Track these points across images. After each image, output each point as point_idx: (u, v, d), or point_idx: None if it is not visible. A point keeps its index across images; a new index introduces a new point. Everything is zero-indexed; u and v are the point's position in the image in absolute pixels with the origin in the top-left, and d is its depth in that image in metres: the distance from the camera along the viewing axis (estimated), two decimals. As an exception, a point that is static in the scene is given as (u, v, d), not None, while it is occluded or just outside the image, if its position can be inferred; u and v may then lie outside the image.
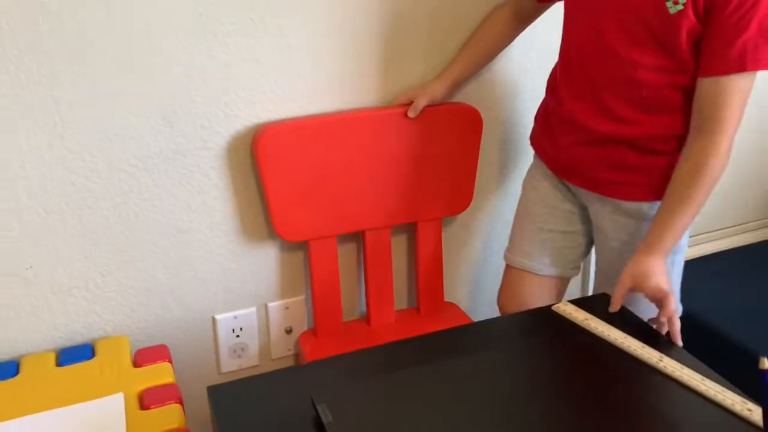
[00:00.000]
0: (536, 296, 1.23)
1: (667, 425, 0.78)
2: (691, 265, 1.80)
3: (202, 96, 1.15)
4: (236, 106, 1.18)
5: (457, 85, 1.29)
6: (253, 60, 1.16)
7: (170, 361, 1.13)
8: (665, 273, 1.01)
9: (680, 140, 1.05)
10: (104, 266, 1.18)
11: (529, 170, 1.29)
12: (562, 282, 1.27)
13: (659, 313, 0.98)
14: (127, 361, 1.13)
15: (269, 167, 1.20)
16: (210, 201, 1.22)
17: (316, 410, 0.81)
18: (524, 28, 1.27)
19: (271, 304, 1.33)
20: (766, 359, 0.63)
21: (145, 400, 1.02)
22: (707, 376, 0.87)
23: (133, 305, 1.23)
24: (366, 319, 1.40)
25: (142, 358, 1.13)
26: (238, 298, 1.31)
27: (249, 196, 1.25)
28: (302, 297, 1.36)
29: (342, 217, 1.27)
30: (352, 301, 1.41)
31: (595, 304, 1.04)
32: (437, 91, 1.26)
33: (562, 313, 1.02)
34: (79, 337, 1.21)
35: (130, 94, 1.10)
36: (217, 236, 1.25)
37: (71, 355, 1.14)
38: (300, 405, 0.84)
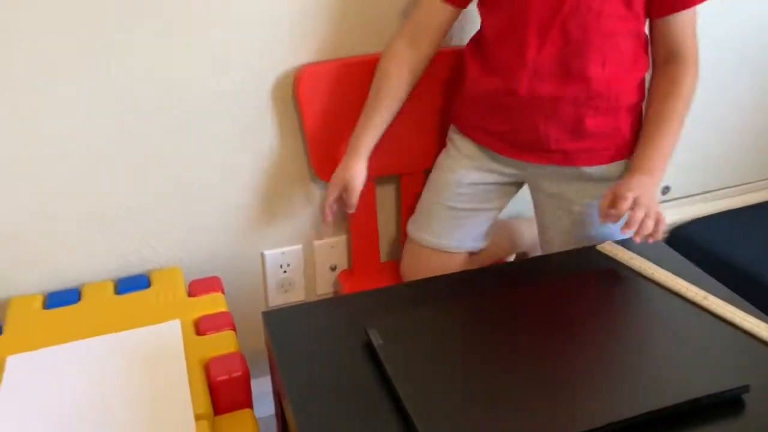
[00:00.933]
0: (443, 269, 1.17)
1: (712, 362, 0.80)
2: (735, 214, 1.79)
3: (250, 40, 1.17)
4: (280, 50, 1.19)
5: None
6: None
7: (222, 292, 1.18)
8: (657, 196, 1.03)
9: (640, 93, 1.09)
10: (159, 201, 1.23)
11: (447, 152, 1.24)
12: (470, 255, 1.26)
13: (653, 232, 0.97)
14: (182, 290, 1.18)
15: (309, 108, 1.22)
16: (257, 142, 1.25)
17: (367, 335, 0.85)
18: (426, 62, 1.16)
19: (316, 242, 1.37)
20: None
21: (201, 327, 1.07)
22: (750, 313, 0.88)
23: (186, 239, 1.28)
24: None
25: (195, 288, 1.18)
26: (285, 236, 1.35)
27: (294, 138, 1.27)
28: (345, 237, 1.39)
29: (379, 159, 1.28)
30: (389, 242, 1.44)
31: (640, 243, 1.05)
32: (360, 175, 1.14)
33: (607, 253, 1.04)
34: (135, 269, 1.26)
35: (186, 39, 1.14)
36: (264, 176, 1.28)
37: (129, 285, 1.20)
38: (350, 330, 0.88)
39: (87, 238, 1.21)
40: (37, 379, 0.96)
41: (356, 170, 1.14)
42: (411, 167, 1.33)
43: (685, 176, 1.76)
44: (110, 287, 1.19)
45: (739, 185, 1.85)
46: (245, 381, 0.98)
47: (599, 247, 1.05)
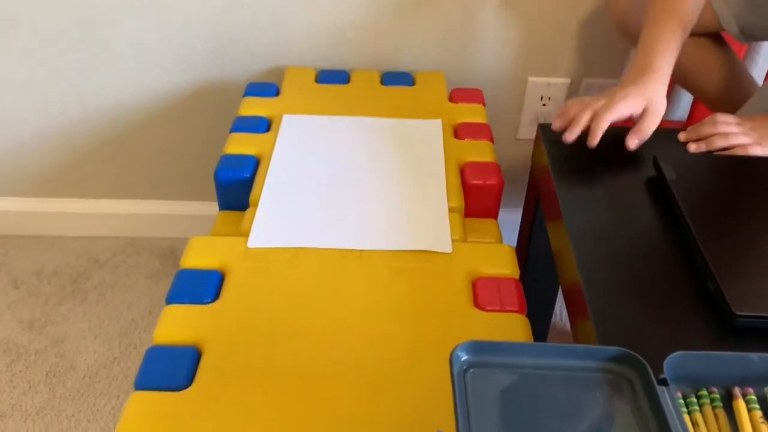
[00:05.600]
0: None
1: None
2: None
3: None
4: None
5: None
6: None
7: (484, 104, 1.14)
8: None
9: None
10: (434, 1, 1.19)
11: None
12: None
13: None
14: (444, 95, 1.16)
15: None
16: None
17: (658, 168, 0.76)
18: None
19: (586, 80, 1.27)
20: None
21: (460, 132, 1.05)
22: None
23: (453, 47, 1.24)
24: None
25: (457, 96, 1.16)
26: (554, 67, 1.26)
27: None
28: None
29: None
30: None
31: None
32: (665, 100, 0.84)
33: None
34: (400, 65, 1.26)
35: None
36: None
37: (394, 78, 1.20)
38: (637, 164, 0.80)
39: (360, 25, 1.22)
40: (308, 140, 1.01)
41: (662, 93, 0.85)
42: None
43: None
44: (377, 77, 1.21)
45: None
46: (498, 190, 0.95)
47: None
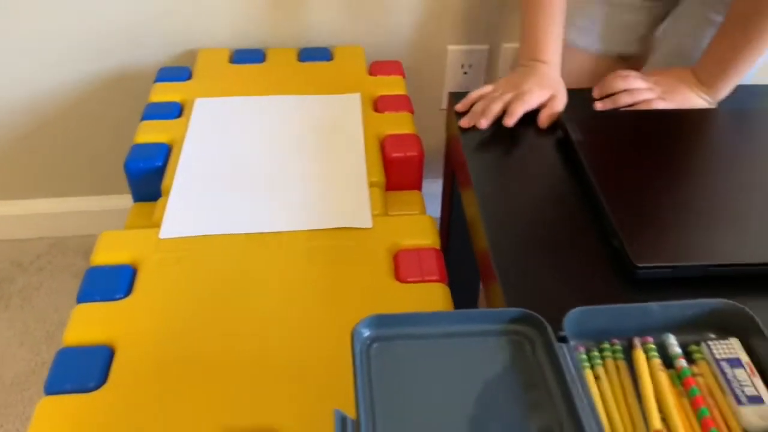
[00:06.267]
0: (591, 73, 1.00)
1: None
2: None
3: None
4: None
5: None
6: None
7: (403, 76, 1.13)
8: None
9: None
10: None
11: None
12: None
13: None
14: (363, 68, 1.14)
15: None
16: None
17: (564, 129, 0.77)
18: None
19: (504, 45, 1.27)
20: None
21: (379, 105, 1.04)
22: None
23: (370, 19, 1.22)
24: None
25: (377, 68, 1.14)
26: (472, 34, 1.25)
27: None
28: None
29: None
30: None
31: None
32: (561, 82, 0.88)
33: None
34: (318, 41, 1.24)
35: None
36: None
37: (311, 54, 1.17)
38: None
39: (274, 2, 1.19)
40: (222, 123, 0.98)
41: (560, 78, 0.89)
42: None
43: None
44: (294, 54, 1.18)
45: None
46: (419, 162, 0.94)
47: None
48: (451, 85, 1.30)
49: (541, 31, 0.87)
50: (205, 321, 0.69)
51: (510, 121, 0.80)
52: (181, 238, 0.78)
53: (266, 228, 0.80)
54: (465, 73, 1.29)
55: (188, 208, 0.83)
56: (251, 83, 1.08)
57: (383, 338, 0.51)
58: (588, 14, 1.01)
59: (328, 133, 0.96)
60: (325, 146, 0.94)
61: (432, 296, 0.72)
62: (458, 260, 0.95)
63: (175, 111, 1.01)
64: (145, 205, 0.90)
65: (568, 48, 1.03)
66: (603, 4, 1.00)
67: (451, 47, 1.26)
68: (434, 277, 0.75)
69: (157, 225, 0.80)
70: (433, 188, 1.07)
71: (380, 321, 0.51)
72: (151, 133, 0.96)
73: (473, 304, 0.99)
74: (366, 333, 0.50)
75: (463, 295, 0.84)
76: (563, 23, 0.89)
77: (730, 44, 0.82)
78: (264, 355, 0.66)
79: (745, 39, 0.80)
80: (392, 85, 1.09)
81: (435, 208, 0.99)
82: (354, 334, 0.49)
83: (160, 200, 0.85)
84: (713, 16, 0.90)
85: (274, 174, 0.89)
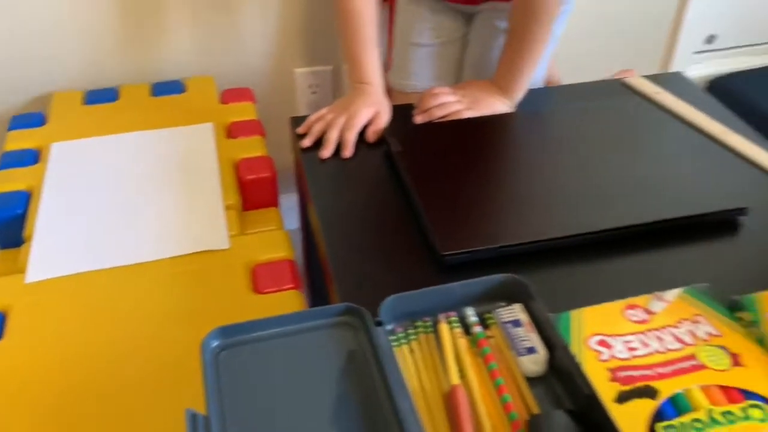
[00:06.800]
0: None
1: (717, 186, 0.82)
2: None
3: None
4: None
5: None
6: None
7: (254, 102, 1.22)
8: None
9: None
10: (197, 6, 1.23)
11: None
12: None
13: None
14: (215, 97, 1.22)
15: None
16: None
17: (387, 142, 0.88)
18: None
19: (345, 66, 1.38)
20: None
21: (232, 131, 1.12)
22: (766, 150, 0.89)
23: (221, 50, 1.29)
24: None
25: (228, 96, 1.22)
26: (316, 56, 1.35)
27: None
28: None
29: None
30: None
31: (667, 80, 1.05)
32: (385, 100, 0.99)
33: (631, 85, 1.03)
34: (170, 74, 1.29)
35: None
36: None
37: (164, 88, 1.24)
38: (377, 143, 0.92)
39: (125, 38, 1.24)
40: (79, 165, 1.03)
41: (384, 97, 1.00)
42: None
43: (732, 25, 1.68)
44: (146, 89, 1.24)
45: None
46: (272, 181, 1.03)
47: (626, 80, 1.04)
48: (302, 103, 1.40)
49: (359, 56, 0.99)
50: (75, 358, 0.75)
51: (347, 153, 0.91)
52: (48, 280, 0.83)
53: (130, 260, 0.86)
54: (314, 92, 1.39)
55: (53, 250, 0.87)
56: (106, 123, 1.13)
57: (231, 346, 0.59)
58: (414, 59, 1.14)
59: (183, 164, 1.03)
60: (181, 176, 1.01)
61: (288, 303, 0.81)
62: (319, 268, 1.04)
63: (32, 158, 1.05)
64: (9, 252, 0.93)
65: (406, 95, 1.16)
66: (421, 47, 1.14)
67: (297, 70, 1.36)
68: (289, 286, 0.84)
69: (23, 270, 0.85)
70: (293, 202, 1.16)
71: (225, 331, 0.59)
72: (9, 182, 1.00)
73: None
74: (214, 343, 0.59)
75: (327, 301, 0.93)
76: (378, 43, 1.00)
77: (515, 52, 0.97)
78: (132, 382, 0.72)
79: (525, 45, 0.96)
80: (243, 112, 1.18)
81: (296, 221, 1.08)
82: (203, 346, 0.58)
83: (24, 246, 0.89)
84: (501, 25, 1.06)
85: (134, 208, 0.95)
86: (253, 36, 1.30)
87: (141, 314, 0.80)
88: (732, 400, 0.57)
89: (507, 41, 0.99)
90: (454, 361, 0.60)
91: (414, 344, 0.63)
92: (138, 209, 0.94)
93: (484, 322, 0.65)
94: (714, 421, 0.55)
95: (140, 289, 0.83)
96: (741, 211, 0.78)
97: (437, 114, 0.95)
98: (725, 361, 0.60)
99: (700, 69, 1.73)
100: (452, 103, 0.96)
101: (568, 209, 0.78)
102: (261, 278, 0.85)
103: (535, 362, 0.60)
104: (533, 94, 1.00)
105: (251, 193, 1.02)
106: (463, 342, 0.62)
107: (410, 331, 0.64)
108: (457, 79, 1.19)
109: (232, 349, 0.59)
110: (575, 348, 0.61)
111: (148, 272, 0.85)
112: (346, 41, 1.00)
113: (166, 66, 1.29)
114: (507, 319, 0.64)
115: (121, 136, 1.09)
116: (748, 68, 1.74)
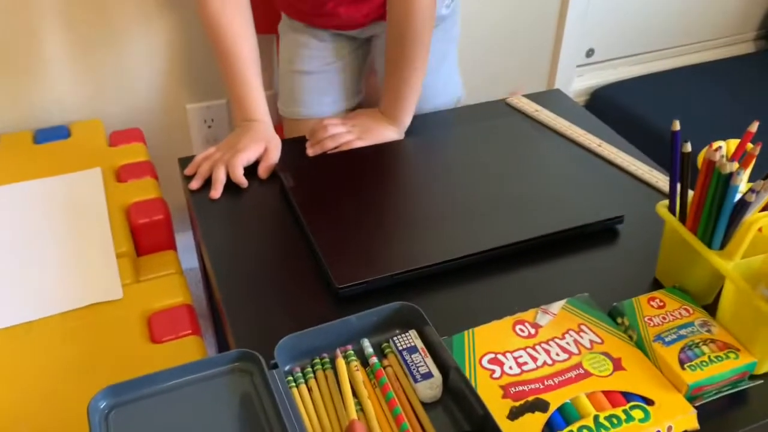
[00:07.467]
0: None
1: (595, 197, 0.87)
2: (656, 78, 1.86)
3: None
4: None
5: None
6: None
7: (144, 143, 1.19)
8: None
9: None
10: (79, 49, 1.20)
11: (281, 28, 1.20)
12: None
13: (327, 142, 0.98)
14: (103, 141, 1.18)
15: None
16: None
17: (279, 178, 0.88)
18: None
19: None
20: (677, 121, 0.69)
21: (122, 175, 1.09)
22: (637, 158, 0.96)
23: (108, 92, 1.26)
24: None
25: (116, 139, 1.19)
26: (208, 90, 1.34)
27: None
28: (272, 92, 1.40)
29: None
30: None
31: (547, 97, 1.10)
32: (274, 135, 0.99)
33: (515, 105, 1.08)
34: (55, 120, 1.25)
35: None
36: (186, 27, 1.25)
37: (48, 135, 1.19)
38: (269, 178, 0.92)
39: (4, 85, 1.19)
40: (-43, 223, 0.97)
41: (272, 132, 1.00)
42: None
43: (609, 39, 1.79)
44: (29, 137, 1.18)
45: (662, 50, 1.91)
46: (166, 224, 1.01)
47: (508, 100, 1.09)
48: (198, 139, 1.38)
49: (243, 97, 0.99)
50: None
51: (242, 185, 0.91)
52: (-76, 349, 0.78)
53: (18, 320, 0.82)
54: (209, 127, 1.38)
55: (-72, 318, 0.82)
56: (-15, 175, 1.07)
57: (121, 404, 0.58)
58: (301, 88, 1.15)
59: (71, 213, 0.99)
60: (69, 227, 0.97)
61: (187, 350, 0.80)
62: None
63: None
64: None
65: (297, 122, 1.16)
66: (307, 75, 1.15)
67: (189, 106, 1.34)
68: (187, 332, 0.82)
69: None
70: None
71: (114, 390, 0.58)
72: None
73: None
74: (103, 404, 0.57)
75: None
76: (260, 77, 1.01)
77: (396, 80, 1.00)
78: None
79: (404, 73, 0.99)
80: (133, 153, 1.14)
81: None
82: (90, 408, 0.56)
83: None
84: None
85: (21, 265, 0.90)
86: (140, 75, 1.27)
87: (32, 375, 0.76)
88: (615, 404, 0.60)
89: (386, 69, 1.02)
90: (350, 396, 0.61)
91: (312, 383, 0.63)
92: (24, 265, 0.90)
93: (382, 352, 0.66)
94: (600, 426, 0.58)
95: (31, 349, 0.79)
96: (618, 219, 0.83)
97: (329, 145, 0.96)
98: (608, 366, 0.64)
99: (583, 81, 1.83)
100: (343, 134, 0.97)
101: (456, 231, 0.80)
102: (158, 327, 0.82)
103: (431, 387, 0.61)
104: (424, 119, 1.03)
105: (145, 237, 1.00)
106: (359, 374, 0.63)
107: (307, 369, 0.64)
108: (356, 101, 1.21)
109: (122, 407, 0.57)
110: (469, 368, 0.63)
111: (38, 330, 0.81)
112: (229, 83, 1.00)
113: (49, 112, 1.24)
114: (403, 347, 0.65)
115: (4, 188, 1.04)
116: (628, 77, 1.86)
